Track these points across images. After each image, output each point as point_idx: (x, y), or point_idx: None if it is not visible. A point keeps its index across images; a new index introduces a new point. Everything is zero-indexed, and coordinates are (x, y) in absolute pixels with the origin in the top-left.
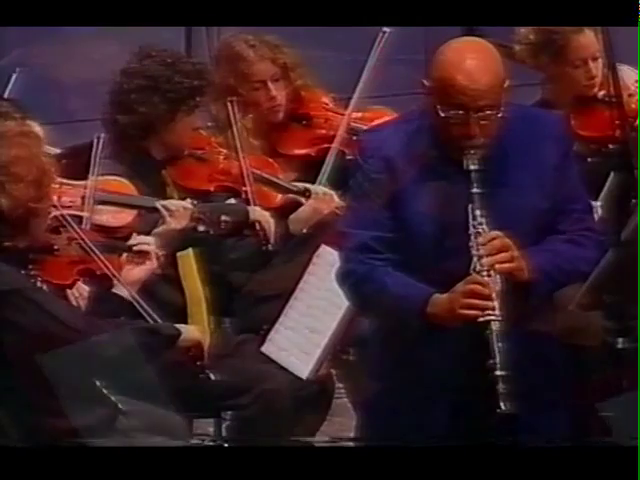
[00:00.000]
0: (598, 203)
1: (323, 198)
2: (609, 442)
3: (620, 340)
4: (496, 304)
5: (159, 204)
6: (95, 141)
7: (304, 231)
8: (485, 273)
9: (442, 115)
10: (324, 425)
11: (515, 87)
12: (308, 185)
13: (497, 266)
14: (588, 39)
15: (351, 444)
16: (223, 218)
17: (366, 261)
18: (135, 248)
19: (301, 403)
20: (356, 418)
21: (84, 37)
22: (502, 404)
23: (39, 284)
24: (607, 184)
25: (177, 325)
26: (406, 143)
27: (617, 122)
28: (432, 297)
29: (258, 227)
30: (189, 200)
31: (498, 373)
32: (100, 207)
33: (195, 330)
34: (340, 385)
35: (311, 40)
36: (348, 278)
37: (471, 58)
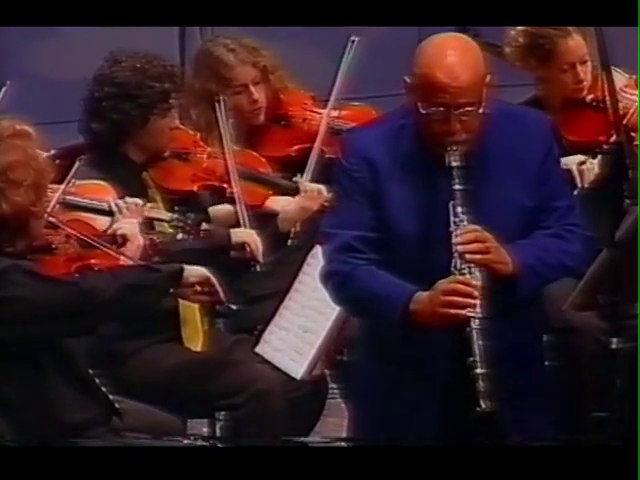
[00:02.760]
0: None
1: (311, 194)
2: (603, 443)
3: (614, 340)
4: (477, 302)
5: (112, 203)
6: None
7: (293, 229)
8: (466, 270)
9: (423, 112)
10: (318, 425)
11: (510, 87)
12: (296, 180)
13: (468, 256)
14: (576, 43)
15: (345, 444)
16: (204, 226)
17: (349, 261)
18: (118, 232)
19: (295, 403)
20: (347, 417)
21: (81, 36)
22: (481, 402)
23: None
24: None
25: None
26: (388, 142)
27: (611, 123)
28: (415, 295)
29: (246, 248)
30: (175, 212)
31: (478, 371)
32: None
33: (200, 268)
34: (334, 385)
35: (298, 39)
36: (331, 278)
37: (451, 55)
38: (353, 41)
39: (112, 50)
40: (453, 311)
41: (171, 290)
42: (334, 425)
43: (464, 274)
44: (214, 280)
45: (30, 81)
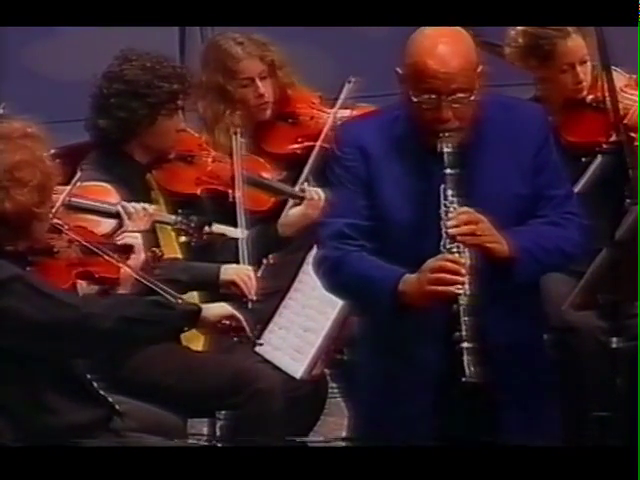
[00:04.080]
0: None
1: (315, 203)
2: (603, 442)
3: (614, 339)
4: (465, 279)
5: (120, 207)
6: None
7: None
8: (455, 249)
9: (415, 100)
10: (318, 425)
11: (510, 86)
12: (302, 187)
13: (459, 238)
14: (576, 43)
15: (345, 444)
16: (206, 230)
17: (340, 247)
18: (120, 242)
19: (295, 403)
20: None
21: (80, 36)
22: (467, 371)
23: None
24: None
25: (204, 305)
26: (382, 132)
27: (611, 122)
28: (404, 276)
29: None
30: (179, 215)
31: (464, 345)
32: (79, 216)
33: (222, 305)
34: (334, 385)
35: (301, 38)
36: (322, 264)
37: (443, 43)
38: (350, 81)
39: (123, 48)
40: (440, 288)
41: (185, 329)
42: (334, 424)
43: (453, 253)
44: (239, 315)
45: (30, 81)
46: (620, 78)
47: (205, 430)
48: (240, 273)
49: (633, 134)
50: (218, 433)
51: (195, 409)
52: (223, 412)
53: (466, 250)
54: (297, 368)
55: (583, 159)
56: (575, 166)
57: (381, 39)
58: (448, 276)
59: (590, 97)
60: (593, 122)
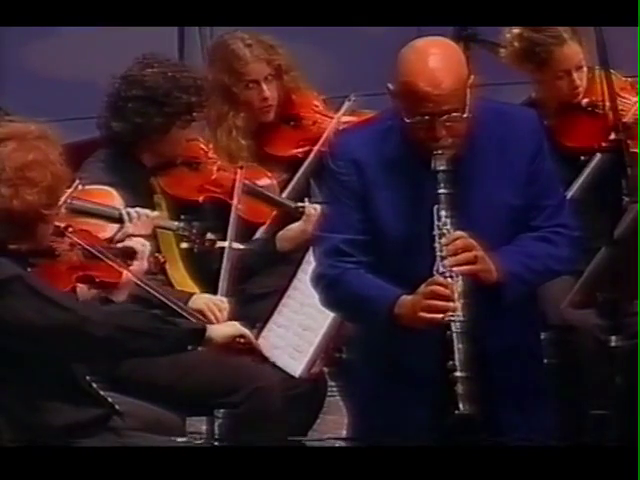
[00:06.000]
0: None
1: (313, 219)
2: (602, 442)
3: (613, 338)
4: (458, 305)
5: (123, 211)
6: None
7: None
8: (448, 274)
9: (408, 121)
10: (317, 424)
11: (509, 85)
12: (302, 204)
13: (457, 268)
14: (572, 50)
15: (344, 443)
16: (208, 236)
17: (337, 264)
18: (122, 245)
19: (293, 401)
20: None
21: (80, 36)
22: (460, 405)
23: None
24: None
25: (211, 326)
26: (375, 144)
27: (608, 125)
28: (399, 298)
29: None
30: (180, 221)
31: (458, 374)
32: (81, 220)
33: (231, 324)
34: (332, 383)
35: (304, 39)
36: (320, 282)
37: (432, 61)
38: (350, 99)
39: (145, 52)
40: (432, 315)
41: (190, 347)
42: (333, 423)
43: (445, 277)
44: (249, 334)
45: (30, 81)
46: (616, 81)
47: (204, 429)
48: (210, 303)
49: (630, 141)
50: (217, 432)
51: (194, 407)
52: (222, 410)
53: (459, 274)
54: (296, 367)
55: (582, 157)
56: (573, 165)
57: (383, 39)
58: (440, 303)
59: (585, 101)
60: (589, 126)
